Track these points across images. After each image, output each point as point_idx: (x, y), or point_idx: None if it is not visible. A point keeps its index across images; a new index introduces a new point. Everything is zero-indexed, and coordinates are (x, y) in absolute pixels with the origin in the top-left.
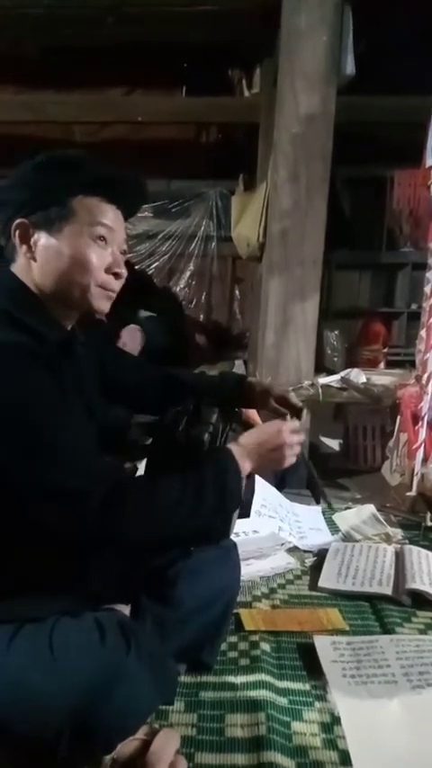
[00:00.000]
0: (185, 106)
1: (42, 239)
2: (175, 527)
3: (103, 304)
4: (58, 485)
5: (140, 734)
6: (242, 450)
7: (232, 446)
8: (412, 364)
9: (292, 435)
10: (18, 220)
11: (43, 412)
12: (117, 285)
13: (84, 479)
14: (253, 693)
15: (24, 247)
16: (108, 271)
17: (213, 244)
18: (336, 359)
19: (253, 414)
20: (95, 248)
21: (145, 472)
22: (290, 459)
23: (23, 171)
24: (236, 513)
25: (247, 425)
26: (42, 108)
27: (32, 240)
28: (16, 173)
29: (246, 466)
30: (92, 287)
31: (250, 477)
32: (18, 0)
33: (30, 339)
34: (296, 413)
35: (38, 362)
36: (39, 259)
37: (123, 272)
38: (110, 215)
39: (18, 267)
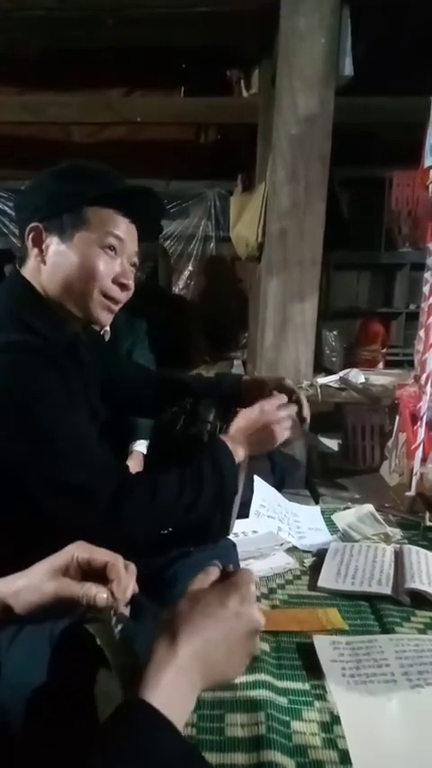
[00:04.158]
0: (184, 107)
1: (53, 244)
2: (178, 519)
3: (103, 316)
4: (67, 480)
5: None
6: (232, 439)
7: (222, 437)
8: (411, 364)
9: (277, 411)
10: (32, 224)
11: (55, 409)
12: (123, 296)
13: (92, 476)
14: (253, 693)
15: (36, 250)
16: (115, 281)
17: (212, 244)
18: (334, 359)
19: None
20: (104, 257)
21: (144, 470)
22: (281, 435)
23: (43, 177)
24: (235, 511)
25: None
26: (42, 109)
27: (44, 244)
28: (37, 178)
29: (239, 452)
30: (95, 294)
31: (250, 476)
32: (18, 2)
33: (37, 340)
34: (290, 397)
35: (47, 362)
36: (48, 263)
37: (130, 283)
38: (122, 227)
39: (28, 270)
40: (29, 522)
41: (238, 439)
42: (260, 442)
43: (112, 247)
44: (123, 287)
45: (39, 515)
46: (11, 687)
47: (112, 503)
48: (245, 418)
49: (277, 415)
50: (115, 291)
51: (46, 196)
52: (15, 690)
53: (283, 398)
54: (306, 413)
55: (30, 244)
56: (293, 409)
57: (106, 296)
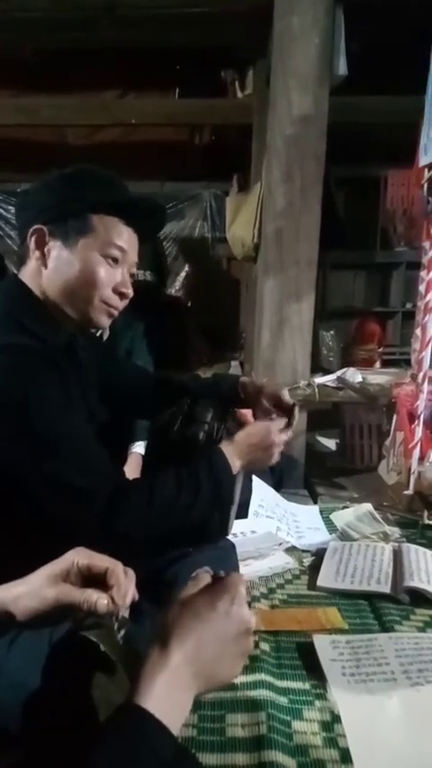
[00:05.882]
0: (179, 108)
1: (56, 248)
2: (174, 523)
3: (102, 319)
4: (65, 481)
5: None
6: (233, 448)
7: (223, 445)
8: (408, 363)
9: (279, 434)
10: (36, 226)
11: (53, 410)
12: (121, 304)
13: (89, 476)
14: (253, 693)
15: (38, 253)
16: (114, 290)
17: (208, 245)
18: (331, 359)
19: (248, 413)
20: (106, 266)
21: (142, 471)
22: (275, 458)
23: (51, 179)
24: (233, 512)
25: (243, 425)
26: (37, 111)
27: (47, 248)
28: (44, 179)
29: (236, 463)
30: (95, 301)
31: (248, 476)
32: (13, 3)
33: (34, 342)
34: (287, 411)
35: (45, 363)
36: (49, 266)
37: (129, 292)
38: (125, 236)
39: (27, 271)
40: (29, 523)
41: (240, 449)
42: (258, 459)
43: (114, 258)
44: (122, 295)
45: (39, 516)
46: (10, 690)
47: (110, 503)
48: (253, 432)
49: (281, 438)
50: (115, 300)
51: (52, 198)
52: (15, 692)
53: (282, 423)
54: (293, 425)
55: (32, 245)
56: (288, 431)
57: (106, 303)
